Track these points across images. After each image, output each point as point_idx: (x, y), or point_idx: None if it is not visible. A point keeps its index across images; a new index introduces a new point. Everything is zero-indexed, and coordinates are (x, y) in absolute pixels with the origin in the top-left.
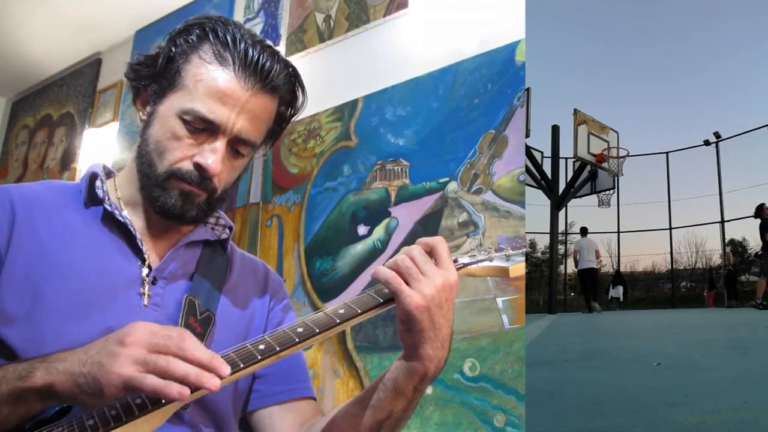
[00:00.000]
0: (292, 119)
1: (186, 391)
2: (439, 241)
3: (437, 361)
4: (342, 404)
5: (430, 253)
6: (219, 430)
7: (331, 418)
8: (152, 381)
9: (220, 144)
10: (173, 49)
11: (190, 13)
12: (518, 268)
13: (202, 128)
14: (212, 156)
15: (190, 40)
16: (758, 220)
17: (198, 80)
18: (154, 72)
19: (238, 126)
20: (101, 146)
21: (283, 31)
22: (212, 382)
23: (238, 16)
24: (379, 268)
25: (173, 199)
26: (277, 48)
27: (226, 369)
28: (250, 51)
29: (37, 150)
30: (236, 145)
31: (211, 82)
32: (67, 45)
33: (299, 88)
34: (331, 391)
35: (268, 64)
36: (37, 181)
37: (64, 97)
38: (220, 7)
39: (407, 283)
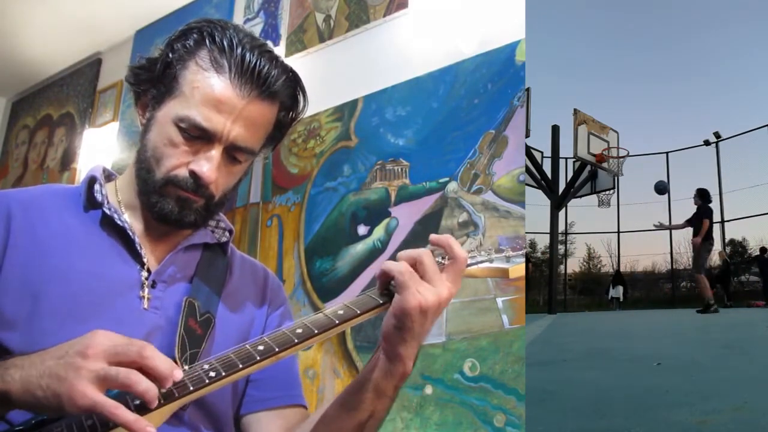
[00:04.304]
0: (294, 123)
1: (152, 429)
2: (427, 256)
3: (413, 360)
4: (320, 408)
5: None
6: (218, 431)
7: (312, 424)
8: (123, 414)
9: (215, 152)
10: (170, 55)
11: (190, 13)
12: (518, 269)
13: (198, 136)
14: (207, 164)
15: (187, 45)
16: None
17: (194, 87)
18: (153, 77)
19: (233, 134)
20: (101, 146)
21: (283, 31)
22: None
23: (238, 16)
24: (390, 263)
25: (170, 206)
26: (277, 48)
27: (178, 374)
28: (248, 56)
29: (37, 150)
30: (233, 153)
31: (207, 89)
32: (67, 45)
33: (300, 93)
34: (331, 391)
35: (265, 69)
36: (37, 181)
37: (64, 97)
38: (220, 7)
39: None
